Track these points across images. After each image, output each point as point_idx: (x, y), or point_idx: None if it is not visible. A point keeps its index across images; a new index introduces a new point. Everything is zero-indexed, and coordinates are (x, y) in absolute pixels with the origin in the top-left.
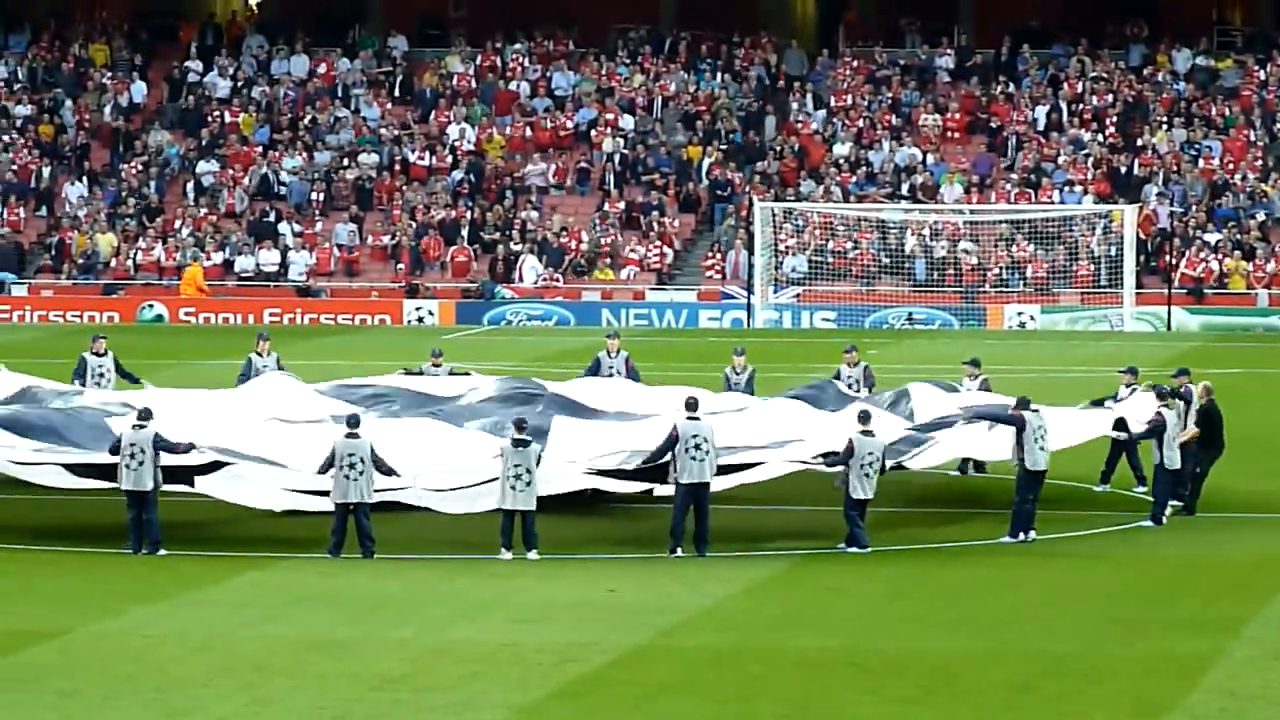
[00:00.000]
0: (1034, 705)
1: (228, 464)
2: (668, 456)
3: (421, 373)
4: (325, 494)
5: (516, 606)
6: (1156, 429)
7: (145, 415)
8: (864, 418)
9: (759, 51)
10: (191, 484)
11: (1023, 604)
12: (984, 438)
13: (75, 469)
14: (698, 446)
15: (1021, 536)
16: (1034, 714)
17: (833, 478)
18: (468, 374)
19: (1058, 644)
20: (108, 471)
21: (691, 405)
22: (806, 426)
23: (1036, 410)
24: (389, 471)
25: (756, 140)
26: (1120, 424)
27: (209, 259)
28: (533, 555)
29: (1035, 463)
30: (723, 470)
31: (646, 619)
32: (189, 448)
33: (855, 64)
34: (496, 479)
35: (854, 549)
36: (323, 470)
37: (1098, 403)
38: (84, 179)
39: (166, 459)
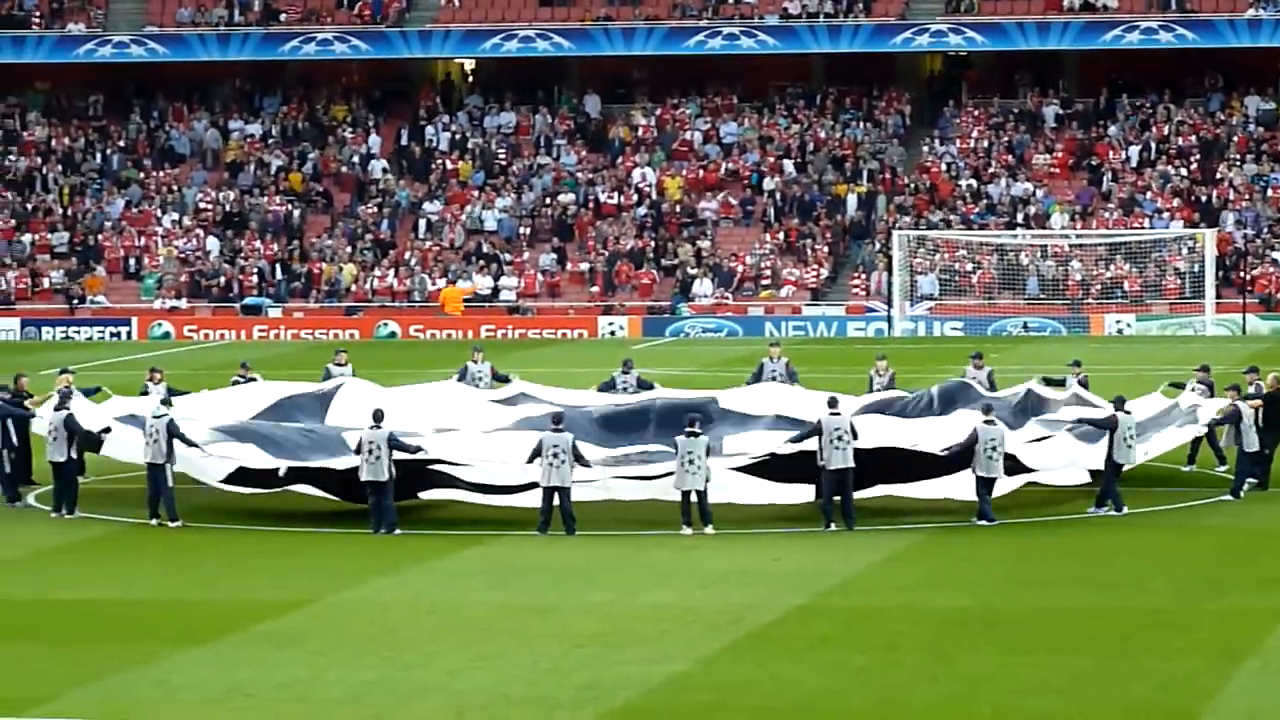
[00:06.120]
0: (1137, 651)
1: (446, 473)
2: (812, 443)
3: (613, 383)
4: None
5: (697, 574)
6: (1233, 416)
7: (379, 417)
8: (986, 409)
9: (895, 103)
10: (416, 496)
11: (1125, 566)
12: (1071, 461)
13: (314, 478)
14: (840, 438)
15: (1107, 510)
16: (1137, 659)
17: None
18: (652, 386)
19: (1156, 600)
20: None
21: (832, 403)
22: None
23: (1129, 412)
24: (583, 461)
25: (894, 177)
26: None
27: (434, 284)
28: (709, 530)
29: (1124, 458)
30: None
31: (806, 583)
32: (416, 449)
33: (976, 113)
34: (671, 474)
35: (982, 522)
36: (531, 459)
37: (1176, 385)
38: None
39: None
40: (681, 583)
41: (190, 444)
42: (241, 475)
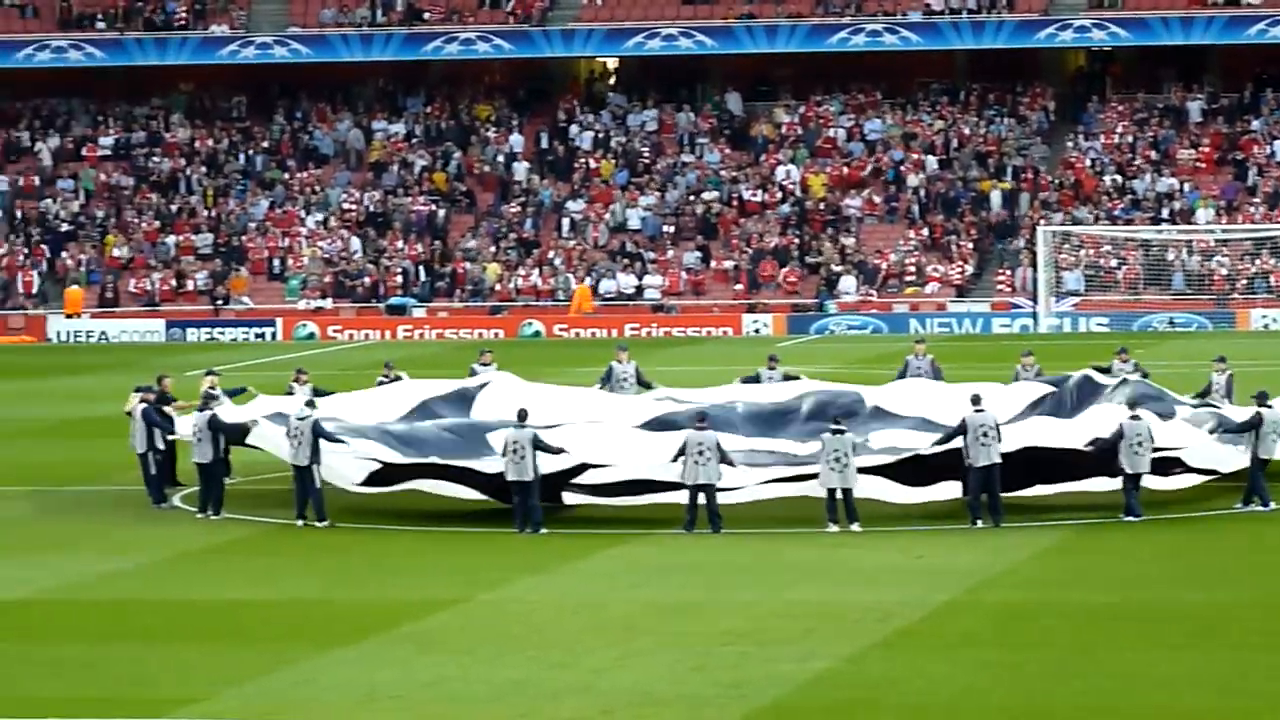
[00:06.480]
0: None
1: (592, 479)
2: (957, 441)
3: (758, 377)
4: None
5: (843, 571)
6: None
7: (523, 416)
8: (1132, 405)
9: (1039, 99)
10: (560, 500)
11: (1271, 561)
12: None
13: (459, 477)
14: (985, 434)
15: (1255, 506)
16: None
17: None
18: (798, 378)
19: None
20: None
21: (976, 400)
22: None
23: (1271, 407)
24: (728, 460)
25: (1037, 174)
26: None
27: (577, 283)
28: (855, 527)
29: (1267, 452)
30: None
31: (953, 580)
32: (559, 450)
33: (1120, 108)
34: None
35: (1129, 518)
36: (675, 458)
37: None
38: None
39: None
40: (828, 580)
41: (335, 441)
42: (379, 477)
